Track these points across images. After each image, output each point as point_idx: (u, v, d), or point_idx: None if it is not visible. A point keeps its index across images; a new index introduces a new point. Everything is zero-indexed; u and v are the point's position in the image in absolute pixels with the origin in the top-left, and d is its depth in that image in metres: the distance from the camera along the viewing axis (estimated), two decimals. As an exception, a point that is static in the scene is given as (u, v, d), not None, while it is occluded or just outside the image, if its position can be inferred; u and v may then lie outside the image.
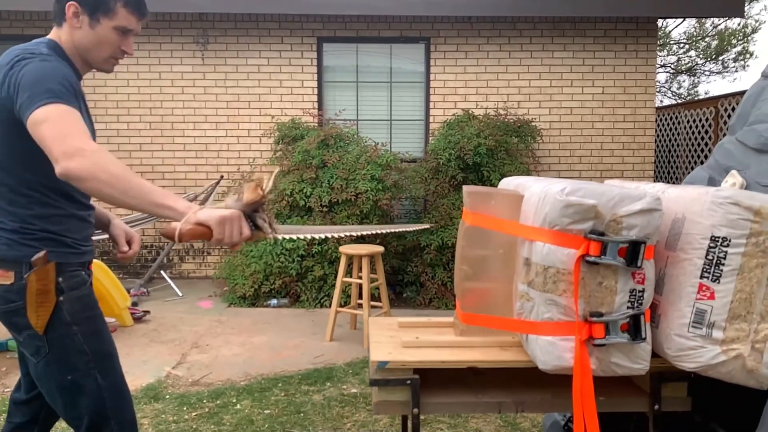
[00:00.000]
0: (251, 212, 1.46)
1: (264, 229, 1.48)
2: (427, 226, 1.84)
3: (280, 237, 1.57)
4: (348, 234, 1.59)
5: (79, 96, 1.60)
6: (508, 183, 2.01)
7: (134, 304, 5.18)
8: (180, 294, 5.79)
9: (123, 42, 1.67)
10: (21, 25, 6.35)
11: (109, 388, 1.68)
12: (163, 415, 3.16)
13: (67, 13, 1.62)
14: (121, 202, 1.41)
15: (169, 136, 6.52)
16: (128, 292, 5.13)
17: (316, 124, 6.25)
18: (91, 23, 1.63)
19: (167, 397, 3.41)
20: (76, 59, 1.67)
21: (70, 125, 1.43)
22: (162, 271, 6.34)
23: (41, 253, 1.58)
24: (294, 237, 1.63)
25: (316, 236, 1.65)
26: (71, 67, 1.64)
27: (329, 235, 1.65)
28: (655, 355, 1.68)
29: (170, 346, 4.31)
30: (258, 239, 1.51)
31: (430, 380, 1.82)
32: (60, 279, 1.62)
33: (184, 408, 3.25)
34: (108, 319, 4.66)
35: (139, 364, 3.92)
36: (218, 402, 3.33)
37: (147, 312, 5.04)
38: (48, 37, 1.66)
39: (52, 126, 1.42)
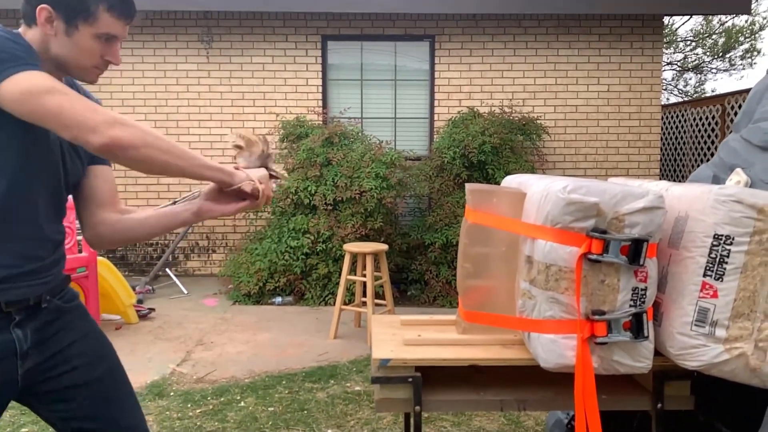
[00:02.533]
0: (266, 164, 1.55)
1: (280, 175, 1.57)
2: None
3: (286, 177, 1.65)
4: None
5: None
6: (511, 181, 2.01)
7: (139, 301, 5.20)
8: (185, 291, 5.81)
9: (107, 50, 1.38)
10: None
11: None
12: (167, 412, 3.18)
13: (39, 18, 1.32)
14: (174, 167, 1.30)
15: (174, 134, 6.53)
16: (134, 289, 5.15)
17: (321, 122, 6.26)
18: (68, 30, 1.33)
19: (172, 394, 3.42)
20: (47, 65, 1.34)
21: (75, 94, 1.22)
22: (167, 269, 6.36)
23: None
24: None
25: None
26: None
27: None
28: (657, 353, 1.68)
29: (175, 343, 4.33)
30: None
31: (432, 378, 1.82)
32: None
33: (189, 405, 3.27)
34: (113, 317, 4.70)
35: (144, 362, 3.93)
36: (222, 399, 3.34)
37: (152, 309, 5.06)
38: (17, 31, 1.36)
39: (64, 95, 1.20)
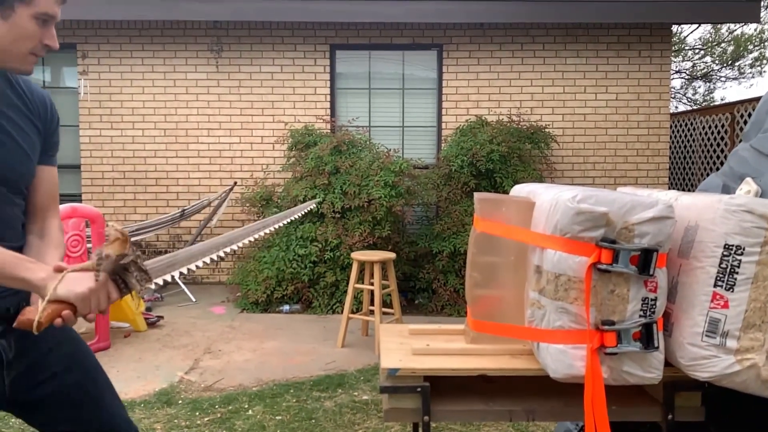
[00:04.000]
0: (121, 270, 1.25)
1: (134, 287, 1.27)
2: (313, 204, 1.72)
3: (153, 286, 1.37)
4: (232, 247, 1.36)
5: None
6: (520, 190, 2.00)
7: (148, 309, 5.22)
8: (193, 299, 5.83)
9: (44, 34, 1.30)
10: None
11: None
12: (175, 420, 3.18)
13: None
14: None
15: (183, 143, 6.58)
16: (142, 297, 5.17)
17: (329, 131, 6.28)
18: (4, 13, 1.24)
19: (180, 402, 3.43)
20: None
21: None
22: (176, 277, 6.38)
23: None
24: (168, 276, 1.42)
25: (198, 264, 1.50)
26: None
27: (213, 257, 1.32)
28: (668, 364, 1.67)
29: (183, 351, 4.34)
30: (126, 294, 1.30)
31: (441, 388, 1.82)
32: None
33: (197, 413, 3.27)
34: (122, 324, 4.72)
35: (152, 369, 3.94)
36: (230, 407, 3.34)
37: (161, 317, 5.07)
38: None
39: None
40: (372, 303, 4.50)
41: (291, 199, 5.56)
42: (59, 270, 1.24)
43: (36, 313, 1.19)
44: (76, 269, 1.24)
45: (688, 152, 7.37)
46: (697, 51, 15.55)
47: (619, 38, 6.47)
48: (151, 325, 4.91)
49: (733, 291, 1.55)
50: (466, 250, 4.97)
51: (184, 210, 5.97)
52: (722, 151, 6.57)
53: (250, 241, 1.67)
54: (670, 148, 7.47)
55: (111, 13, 6.13)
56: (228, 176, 6.57)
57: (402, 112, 6.64)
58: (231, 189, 6.30)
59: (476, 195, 1.84)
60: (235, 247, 1.55)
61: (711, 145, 6.81)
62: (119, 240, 1.23)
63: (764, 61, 14.95)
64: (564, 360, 1.61)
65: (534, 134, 5.94)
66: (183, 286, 6.12)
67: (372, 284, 4.43)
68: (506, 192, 5.22)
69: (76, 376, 1.50)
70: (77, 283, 1.21)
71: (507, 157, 5.57)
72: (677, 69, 15.27)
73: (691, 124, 7.31)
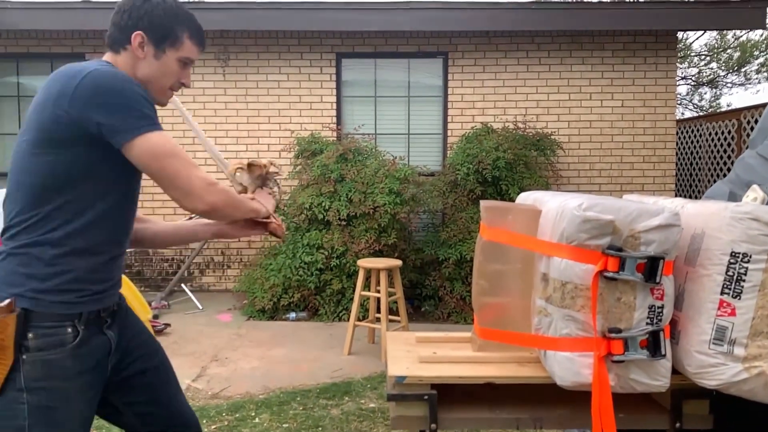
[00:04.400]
0: (263, 182, 1.79)
1: (275, 189, 1.80)
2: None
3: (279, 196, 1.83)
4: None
5: None
6: (526, 198, 2.01)
7: (155, 316, 5.24)
8: (200, 307, 5.85)
9: (182, 74, 1.60)
10: (48, 43, 6.52)
11: None
12: (182, 428, 3.19)
13: (133, 43, 1.51)
14: (236, 217, 1.64)
15: (190, 151, 6.62)
16: (149, 304, 5.18)
17: (335, 139, 6.31)
18: (156, 54, 1.53)
19: (187, 409, 3.43)
20: None
21: (188, 158, 1.45)
22: (183, 284, 6.41)
23: (4, 303, 1.36)
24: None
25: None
26: None
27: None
28: (675, 371, 1.67)
29: (190, 358, 4.35)
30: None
31: (448, 395, 1.82)
32: (30, 334, 1.38)
33: (204, 421, 3.27)
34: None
35: (160, 377, 3.95)
36: (237, 415, 3.35)
37: (168, 325, 5.09)
38: (103, 59, 1.55)
39: (181, 161, 1.42)
40: (378, 310, 4.50)
41: (297, 206, 5.58)
42: (253, 198, 1.71)
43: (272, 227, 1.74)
44: (259, 190, 1.77)
45: (694, 159, 7.36)
46: (702, 57, 15.53)
47: (624, 45, 6.48)
48: (159, 332, 4.93)
49: (740, 299, 1.55)
50: (472, 258, 4.97)
51: (191, 218, 6.00)
52: (729, 157, 6.56)
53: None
54: (677, 154, 7.46)
55: (119, 22, 6.18)
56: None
57: (408, 119, 6.66)
58: (237, 197, 6.32)
59: (482, 203, 1.85)
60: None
61: (718, 151, 6.80)
62: (257, 164, 1.75)
63: (770, 67, 14.92)
64: (571, 368, 1.61)
65: (540, 141, 5.94)
66: (190, 293, 6.14)
67: (378, 292, 4.43)
68: (512, 199, 5.22)
69: (154, 362, 1.70)
70: (267, 200, 1.73)
71: (513, 164, 5.58)
72: (683, 75, 15.26)
73: (698, 130, 7.30)
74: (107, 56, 1.55)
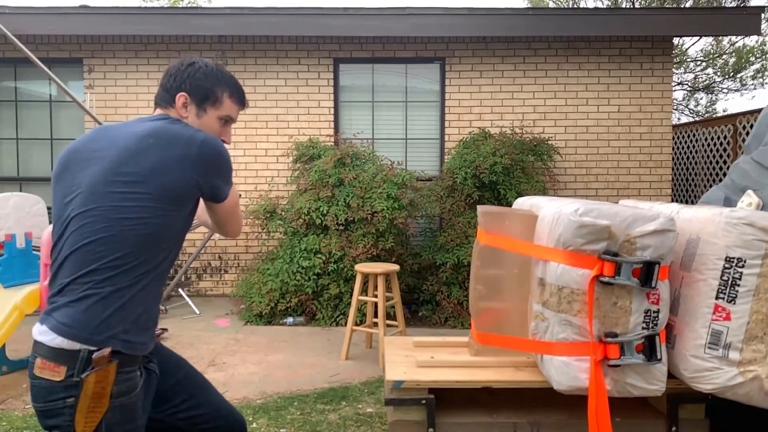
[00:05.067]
0: None
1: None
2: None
3: None
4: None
5: None
6: (523, 203, 2.02)
7: (152, 321, 5.23)
8: (197, 312, 5.84)
9: (223, 131, 1.72)
10: (46, 48, 6.53)
11: None
12: (180, 433, 3.18)
13: (177, 103, 1.66)
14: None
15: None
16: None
17: (333, 143, 6.32)
18: (198, 113, 1.67)
19: (184, 414, 3.43)
20: None
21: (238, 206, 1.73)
22: (180, 289, 6.40)
23: (106, 351, 1.40)
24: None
25: None
26: None
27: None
28: (671, 375, 1.68)
29: (187, 363, 4.34)
30: None
31: (446, 400, 1.83)
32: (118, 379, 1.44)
33: (201, 426, 3.27)
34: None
35: (157, 382, 3.95)
36: (235, 420, 3.34)
37: (165, 330, 5.09)
38: (169, 115, 1.68)
39: (239, 208, 1.71)
40: (376, 315, 4.51)
41: (295, 211, 5.58)
42: None
43: None
44: None
45: (690, 164, 7.39)
46: (698, 63, 15.61)
47: (620, 51, 6.52)
48: (156, 337, 4.92)
49: (734, 303, 1.56)
50: (469, 262, 4.97)
51: None
52: (725, 162, 6.59)
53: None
54: (673, 159, 7.49)
55: (117, 27, 6.20)
56: (232, 189, 6.60)
57: (405, 124, 6.67)
58: (235, 201, 6.32)
59: (480, 208, 1.86)
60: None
61: (714, 156, 6.83)
62: None
63: (766, 73, 15.00)
64: (568, 372, 1.62)
65: (537, 146, 5.97)
66: (187, 298, 6.14)
67: (376, 296, 4.44)
68: (509, 204, 5.23)
69: (183, 372, 1.79)
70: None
71: (510, 169, 5.60)
72: (679, 81, 15.33)
73: (694, 135, 7.33)
74: (160, 111, 1.69)
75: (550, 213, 1.68)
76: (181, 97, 1.65)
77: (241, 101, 1.73)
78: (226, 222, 1.70)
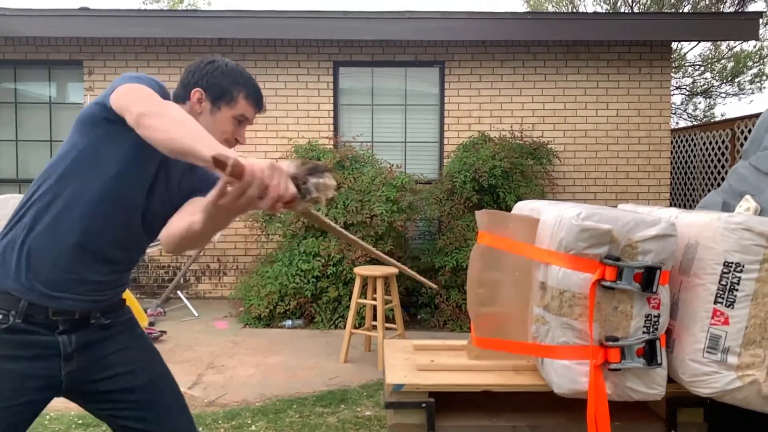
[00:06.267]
0: (305, 175, 1.30)
1: (309, 191, 1.28)
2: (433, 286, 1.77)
3: (322, 200, 1.31)
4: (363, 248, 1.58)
5: None
6: (523, 207, 2.03)
7: (151, 324, 5.22)
8: (196, 314, 5.84)
9: (237, 131, 1.68)
10: (46, 50, 6.53)
11: None
12: (179, 436, 3.18)
13: (192, 98, 1.64)
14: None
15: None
16: (145, 312, 5.18)
17: (332, 147, 6.33)
18: (212, 110, 1.64)
19: (183, 417, 3.43)
20: None
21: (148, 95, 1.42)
22: (179, 291, 6.40)
23: None
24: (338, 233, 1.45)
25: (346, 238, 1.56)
26: None
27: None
28: (670, 380, 1.69)
29: (186, 366, 4.34)
30: (303, 208, 1.30)
31: (446, 403, 1.83)
32: None
33: (200, 429, 3.26)
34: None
35: (156, 384, 3.94)
36: (233, 423, 3.34)
37: (164, 332, 5.08)
38: None
39: (134, 93, 1.41)
40: (374, 318, 4.51)
41: (294, 214, 5.58)
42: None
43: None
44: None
45: (689, 168, 7.41)
46: (697, 67, 15.65)
47: (619, 55, 6.54)
48: (154, 339, 4.92)
49: (733, 308, 1.57)
50: (468, 265, 4.98)
51: None
52: (723, 166, 6.61)
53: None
54: (672, 163, 7.51)
55: (117, 30, 6.21)
56: (231, 191, 6.60)
57: (404, 127, 6.69)
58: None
59: (482, 212, 1.87)
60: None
61: (712, 160, 6.85)
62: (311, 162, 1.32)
63: (764, 78, 15.05)
64: (568, 375, 1.63)
65: (536, 150, 5.98)
66: (186, 300, 6.13)
67: (375, 299, 4.44)
68: (509, 207, 5.24)
69: (140, 381, 1.67)
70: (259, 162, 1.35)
71: (509, 172, 5.61)
72: (677, 85, 15.37)
73: (692, 139, 7.36)
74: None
75: (552, 217, 1.69)
76: (196, 92, 1.63)
77: (258, 103, 1.70)
78: (126, 111, 1.38)
